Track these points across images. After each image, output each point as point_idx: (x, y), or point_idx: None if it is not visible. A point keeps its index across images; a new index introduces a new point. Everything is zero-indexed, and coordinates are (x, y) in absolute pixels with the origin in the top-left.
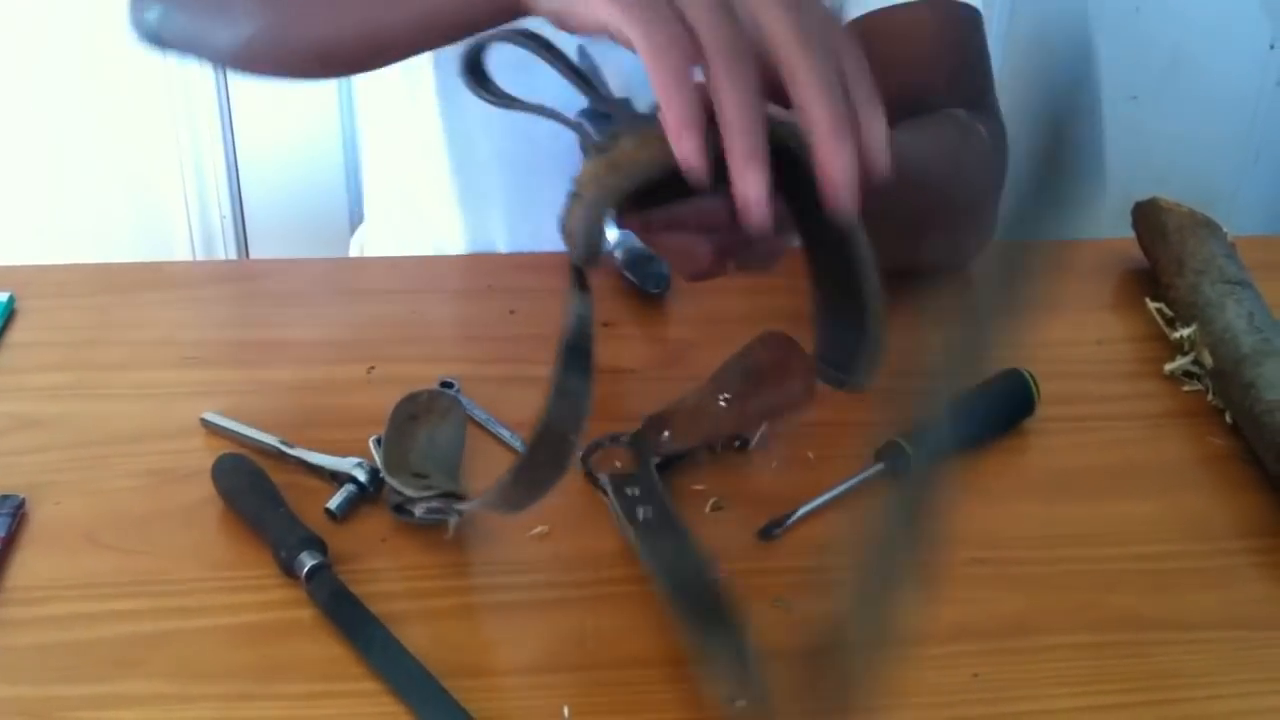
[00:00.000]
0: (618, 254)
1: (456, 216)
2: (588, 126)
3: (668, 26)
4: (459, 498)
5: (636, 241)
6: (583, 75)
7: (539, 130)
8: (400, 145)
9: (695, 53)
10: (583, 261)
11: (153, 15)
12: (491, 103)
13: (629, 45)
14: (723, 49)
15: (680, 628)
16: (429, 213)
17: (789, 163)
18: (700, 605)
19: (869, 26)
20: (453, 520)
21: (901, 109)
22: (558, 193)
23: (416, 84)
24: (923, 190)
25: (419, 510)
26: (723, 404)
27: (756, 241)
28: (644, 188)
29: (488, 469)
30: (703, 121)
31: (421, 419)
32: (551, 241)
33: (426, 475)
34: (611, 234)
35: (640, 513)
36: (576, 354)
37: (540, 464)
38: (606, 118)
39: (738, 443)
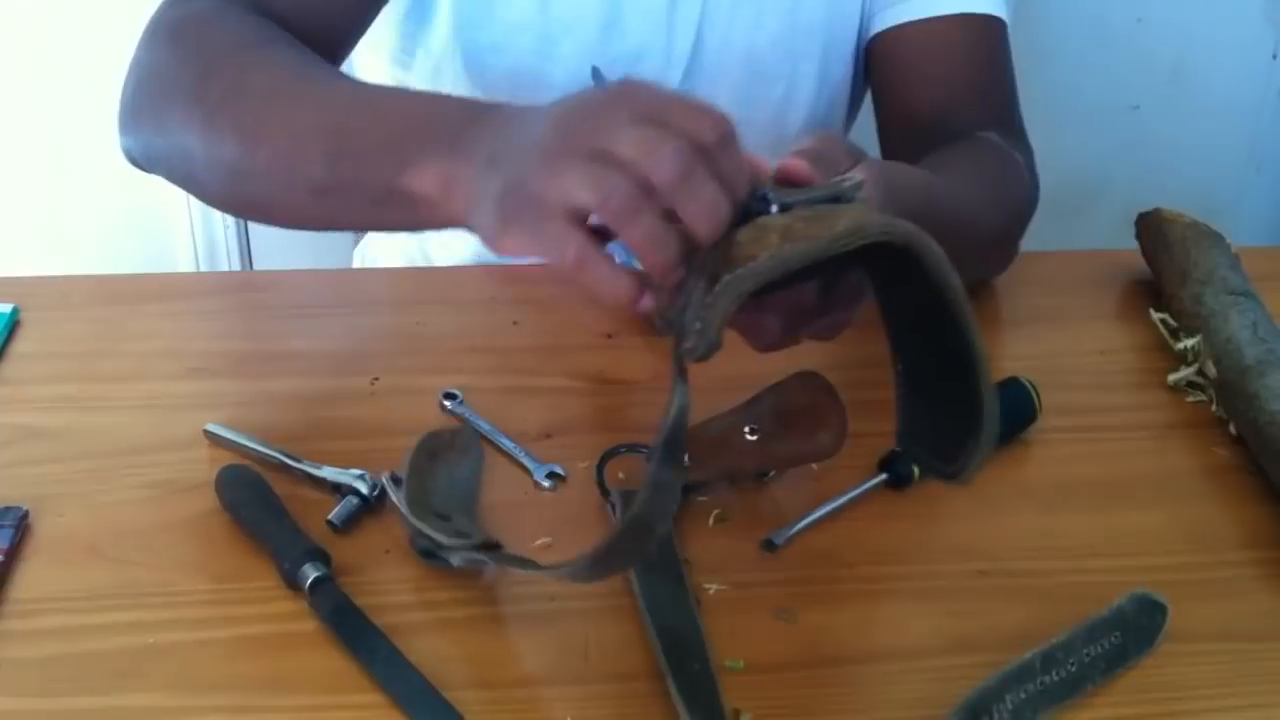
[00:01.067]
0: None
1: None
2: None
3: (619, 191)
4: (496, 546)
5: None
6: None
7: None
8: None
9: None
10: (706, 355)
11: (135, 150)
12: None
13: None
14: (667, 181)
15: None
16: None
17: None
18: (681, 666)
19: (898, 40)
20: (489, 570)
21: (932, 125)
22: None
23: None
24: (965, 225)
25: (456, 560)
26: (749, 437)
27: (831, 308)
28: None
29: (500, 495)
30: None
31: (441, 456)
32: None
33: (449, 517)
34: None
35: None
36: (674, 447)
37: (623, 551)
38: None
39: (756, 477)
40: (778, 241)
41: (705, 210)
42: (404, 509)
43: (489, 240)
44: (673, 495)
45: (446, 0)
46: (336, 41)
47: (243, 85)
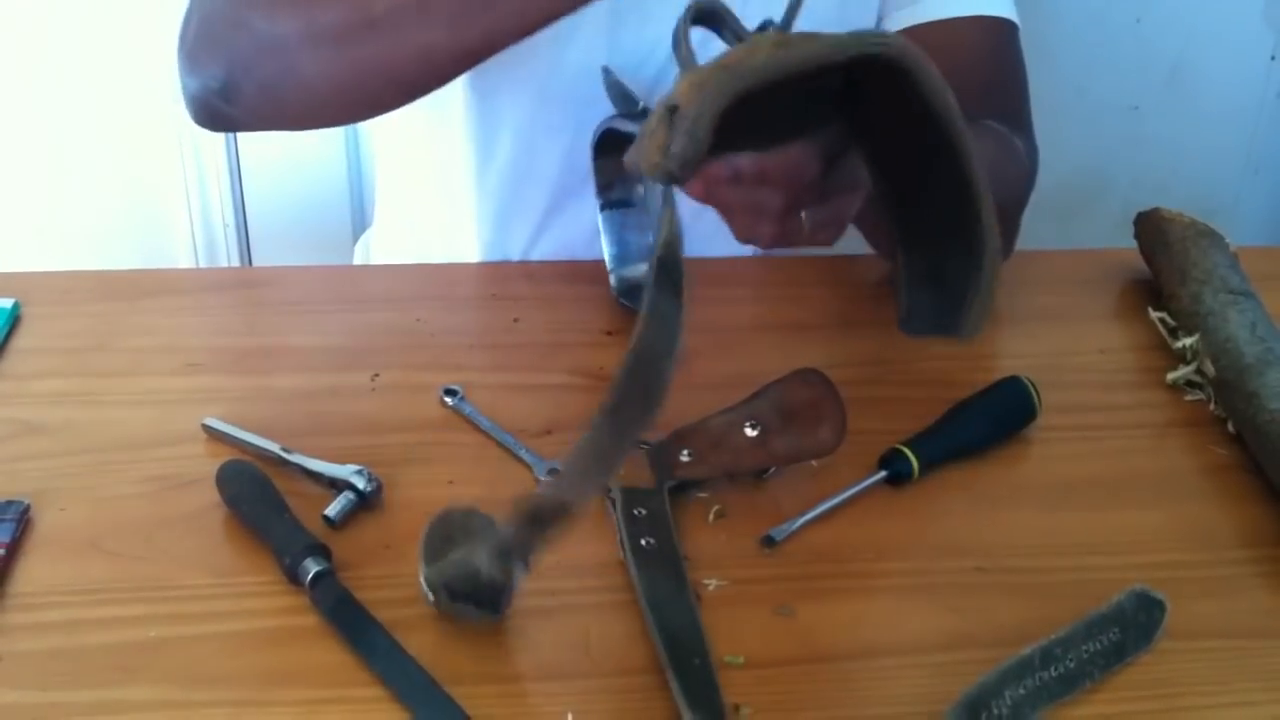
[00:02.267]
0: (612, 280)
1: (475, 227)
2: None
3: None
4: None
5: (634, 276)
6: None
7: (575, 144)
8: (422, 154)
9: None
10: (684, 167)
11: (215, 80)
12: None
13: None
14: None
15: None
16: (448, 221)
17: (869, 100)
18: (681, 662)
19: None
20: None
21: None
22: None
23: (446, 98)
24: None
25: (485, 566)
26: (749, 433)
27: (830, 197)
28: (754, 91)
29: (500, 492)
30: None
31: (457, 540)
32: (569, 254)
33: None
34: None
35: (644, 541)
36: (667, 272)
37: (633, 400)
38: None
39: (756, 474)
40: (771, 49)
41: None
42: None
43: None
44: (674, 327)
45: None
46: None
47: None
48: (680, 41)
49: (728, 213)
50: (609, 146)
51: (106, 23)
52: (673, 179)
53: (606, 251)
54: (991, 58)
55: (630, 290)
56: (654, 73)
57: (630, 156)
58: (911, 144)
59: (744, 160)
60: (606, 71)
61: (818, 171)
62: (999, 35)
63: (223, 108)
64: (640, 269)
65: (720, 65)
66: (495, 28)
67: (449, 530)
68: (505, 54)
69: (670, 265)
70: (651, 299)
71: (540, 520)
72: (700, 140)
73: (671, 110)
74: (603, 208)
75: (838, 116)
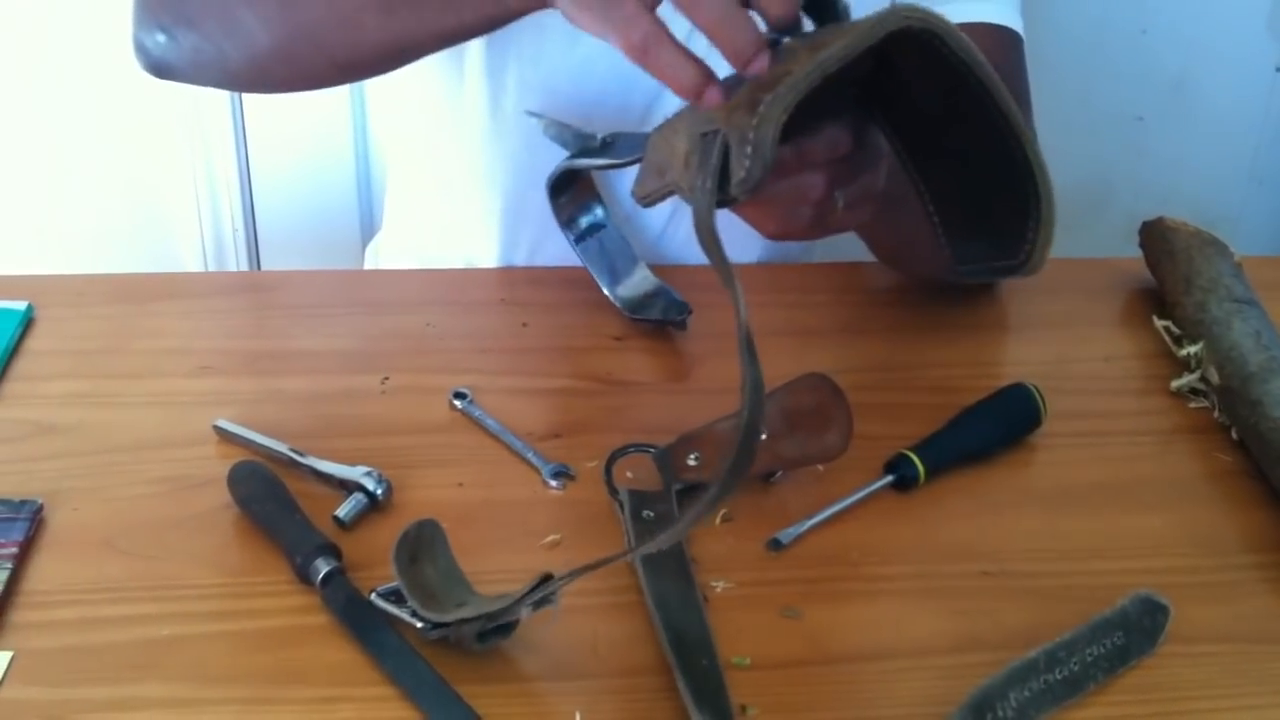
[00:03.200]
0: (615, 302)
1: (483, 230)
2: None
3: None
4: (549, 578)
5: (635, 291)
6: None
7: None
8: (431, 157)
9: None
10: (761, 177)
11: (160, 39)
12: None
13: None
14: None
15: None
16: (456, 225)
17: (893, 71)
18: (688, 664)
19: None
20: (555, 606)
21: None
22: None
23: (460, 104)
24: None
25: (526, 612)
26: None
27: (858, 172)
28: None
29: (507, 494)
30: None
31: (421, 556)
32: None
33: (465, 601)
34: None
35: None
36: (750, 344)
37: (744, 459)
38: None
39: (763, 478)
40: (808, 55)
41: None
42: (428, 618)
43: (567, 16)
44: (764, 391)
45: None
46: None
47: None
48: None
49: (767, 207)
50: (559, 185)
51: (117, 26)
52: (733, 204)
53: (598, 280)
54: (997, 67)
55: (638, 305)
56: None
57: (646, 187)
58: (935, 106)
59: (784, 150)
60: (541, 117)
61: (850, 146)
62: (1003, 45)
63: (167, 57)
64: (637, 281)
65: (760, 86)
66: (421, 22)
67: (412, 551)
68: (515, 54)
69: (750, 338)
70: (750, 371)
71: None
72: (768, 165)
73: (707, 135)
74: (576, 242)
75: (860, 90)
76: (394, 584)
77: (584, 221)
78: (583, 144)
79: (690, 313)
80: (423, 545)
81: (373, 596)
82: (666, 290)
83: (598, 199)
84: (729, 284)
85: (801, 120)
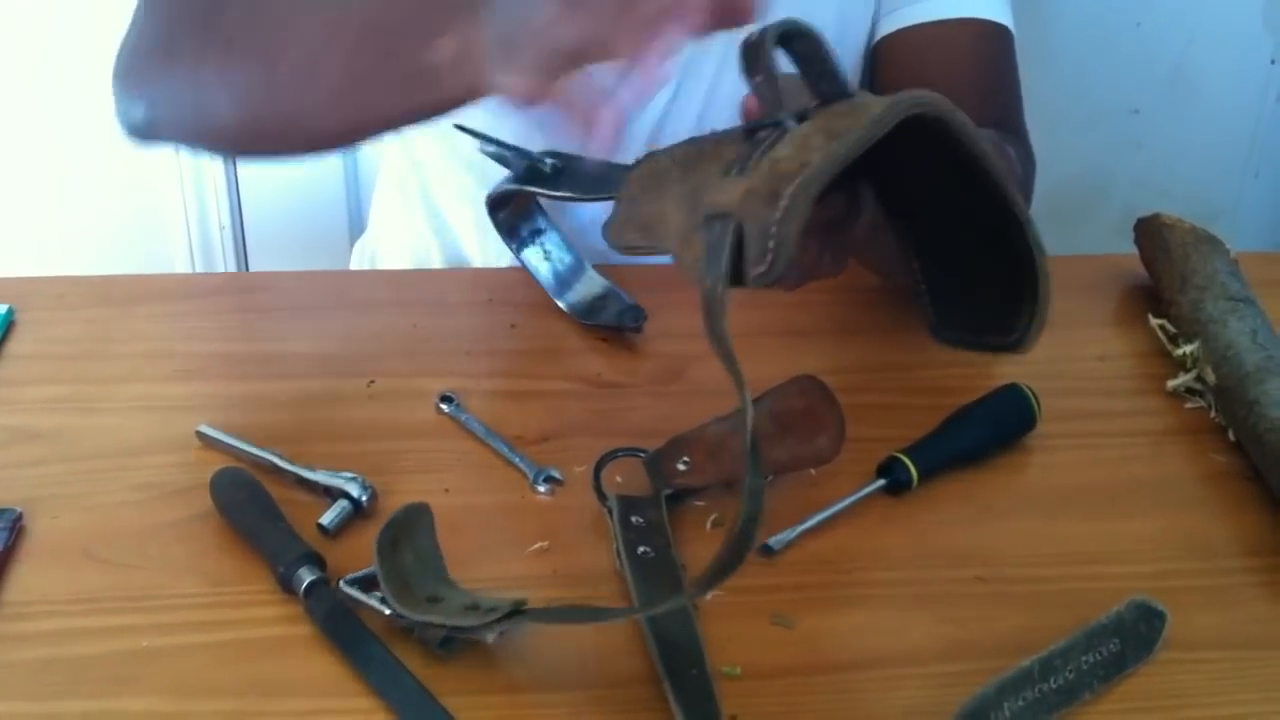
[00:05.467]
0: (563, 307)
1: (470, 231)
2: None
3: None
4: (524, 606)
5: (585, 297)
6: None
7: (567, 145)
8: (418, 158)
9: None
10: (784, 270)
11: (138, 113)
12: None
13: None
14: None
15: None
16: (442, 225)
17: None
18: (678, 673)
19: (901, 42)
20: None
21: None
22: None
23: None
24: None
25: (491, 636)
26: None
27: (848, 227)
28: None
29: (496, 499)
30: None
31: (402, 541)
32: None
33: (439, 598)
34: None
35: (641, 550)
36: (756, 451)
37: (735, 560)
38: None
39: None
40: (824, 141)
41: None
42: (398, 609)
43: (510, 94)
44: (763, 496)
45: None
46: None
47: (254, 2)
48: (759, 60)
49: None
50: (498, 201)
51: (104, 26)
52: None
53: (544, 284)
54: (985, 61)
55: (588, 310)
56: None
57: (627, 238)
58: (930, 180)
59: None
60: (477, 134)
61: (844, 208)
62: (993, 40)
63: (149, 132)
64: (585, 285)
65: (779, 175)
66: (372, 111)
67: (394, 535)
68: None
69: (756, 443)
70: (752, 480)
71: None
72: (791, 260)
73: (715, 220)
74: (518, 251)
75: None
76: (363, 571)
77: (524, 230)
78: (529, 166)
79: (645, 318)
80: (405, 529)
81: (340, 584)
82: (617, 293)
83: (538, 205)
84: (739, 388)
85: None
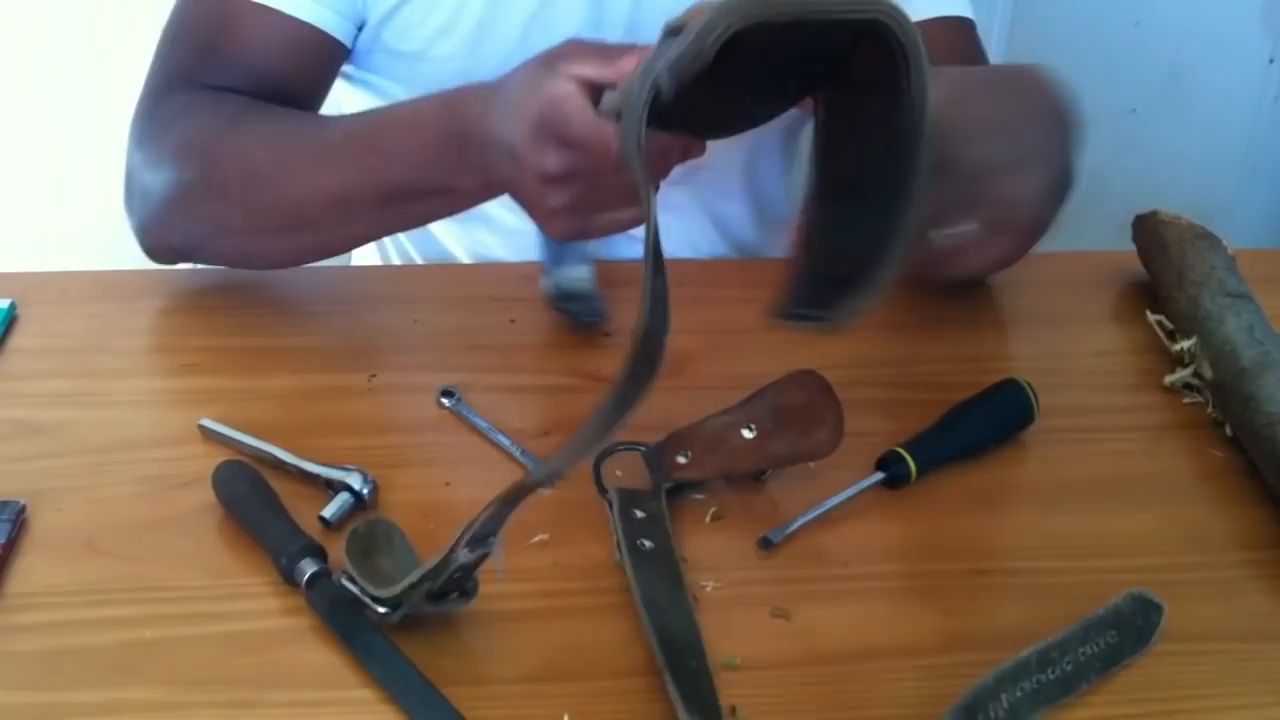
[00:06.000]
0: (545, 282)
1: (471, 227)
2: None
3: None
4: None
5: (567, 280)
6: None
7: None
8: None
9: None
10: (675, 73)
11: (171, 255)
12: None
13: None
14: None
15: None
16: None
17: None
18: (678, 664)
19: None
20: (499, 561)
21: None
22: None
23: None
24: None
25: (463, 557)
26: (747, 435)
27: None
28: (772, 26)
29: (497, 493)
30: None
31: (376, 552)
32: None
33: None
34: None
35: (641, 543)
36: (657, 255)
37: (639, 375)
38: None
39: (754, 476)
40: None
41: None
42: (378, 594)
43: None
44: (667, 304)
45: (374, 18)
46: (313, 104)
47: (271, 170)
48: None
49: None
50: None
51: (105, 23)
52: (658, 92)
53: (541, 253)
54: (958, 57)
55: (565, 296)
56: None
57: (611, 95)
58: (866, 135)
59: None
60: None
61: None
62: (962, 35)
63: (182, 258)
64: (575, 276)
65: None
66: (409, 223)
67: (365, 544)
68: (419, 65)
69: (657, 247)
70: (650, 282)
71: (517, 498)
72: (705, 50)
73: (675, 31)
74: None
75: (800, 92)
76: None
77: None
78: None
79: (604, 321)
80: (377, 541)
81: (342, 579)
82: (596, 299)
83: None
84: (644, 188)
85: (722, 116)
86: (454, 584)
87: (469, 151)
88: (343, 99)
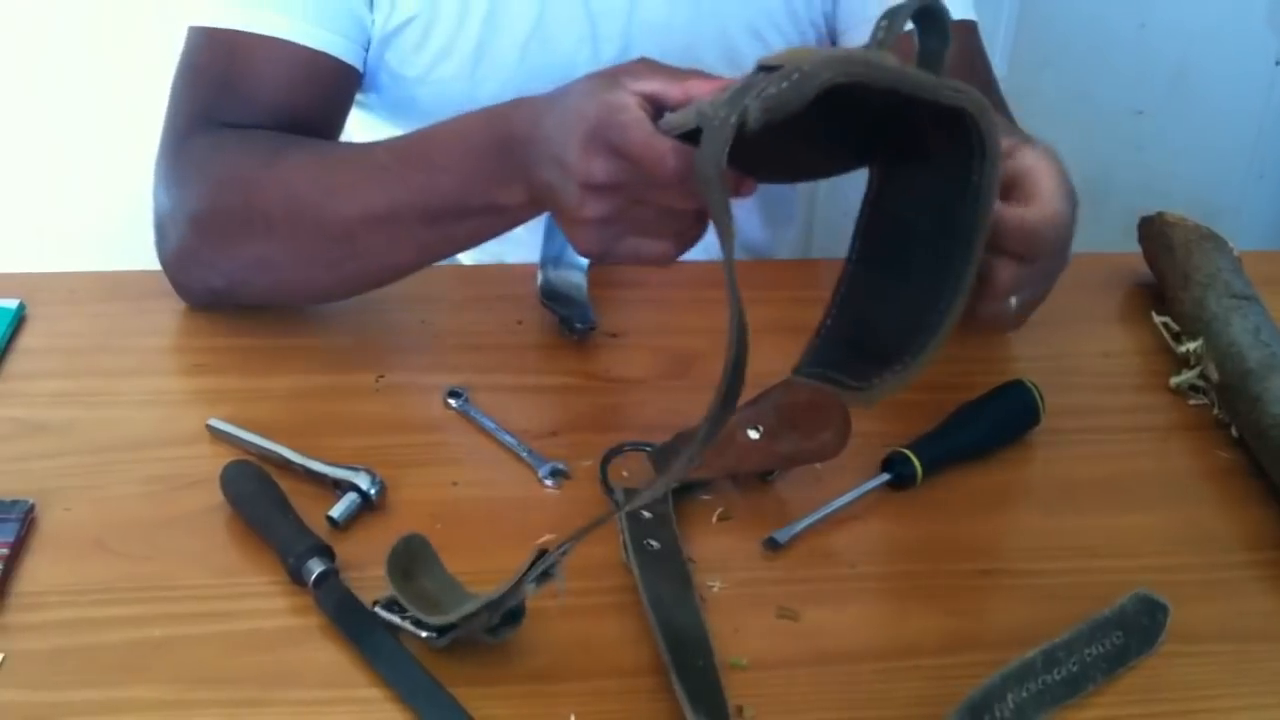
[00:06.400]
0: (539, 278)
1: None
2: None
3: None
4: (547, 564)
5: (562, 282)
6: None
7: None
8: None
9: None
10: (768, 113)
11: (210, 295)
12: None
13: None
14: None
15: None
16: None
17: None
18: (684, 664)
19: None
20: (560, 584)
21: None
22: None
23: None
24: None
25: (532, 588)
26: (753, 436)
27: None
28: (867, 86)
29: (503, 493)
30: None
31: (417, 572)
32: None
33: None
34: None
35: (648, 543)
36: (734, 286)
37: (730, 398)
38: None
39: (760, 477)
40: (897, 60)
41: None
42: (433, 624)
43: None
44: (748, 329)
45: (376, 38)
46: (332, 133)
47: (318, 195)
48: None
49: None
50: None
51: (111, 22)
52: (743, 123)
53: (542, 250)
54: (962, 62)
55: (557, 297)
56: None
57: (673, 116)
58: (920, 214)
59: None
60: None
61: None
62: (965, 38)
63: (222, 301)
64: (569, 280)
65: (845, 51)
66: (454, 246)
67: (404, 567)
68: (418, 89)
69: (734, 280)
70: (737, 307)
71: (589, 529)
72: (805, 95)
73: (768, 69)
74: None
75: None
76: (392, 593)
77: None
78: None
79: (594, 328)
80: (414, 559)
81: (376, 609)
82: (587, 305)
83: None
84: (721, 223)
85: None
86: (510, 615)
87: (512, 156)
88: (354, 130)
